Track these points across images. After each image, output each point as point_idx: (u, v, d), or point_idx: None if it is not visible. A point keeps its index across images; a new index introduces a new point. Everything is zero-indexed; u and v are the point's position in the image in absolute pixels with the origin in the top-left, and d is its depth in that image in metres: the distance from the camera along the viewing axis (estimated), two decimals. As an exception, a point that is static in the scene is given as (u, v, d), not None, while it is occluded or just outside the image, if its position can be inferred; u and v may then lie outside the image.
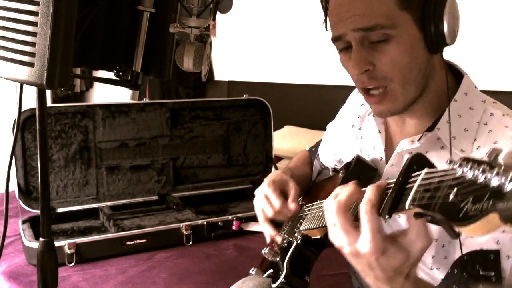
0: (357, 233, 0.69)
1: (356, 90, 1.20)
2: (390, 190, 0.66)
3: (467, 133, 0.87)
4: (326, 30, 0.93)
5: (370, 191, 0.69)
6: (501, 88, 2.34)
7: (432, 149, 0.91)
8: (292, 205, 1.06)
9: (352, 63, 0.88)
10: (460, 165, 0.52)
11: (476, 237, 0.51)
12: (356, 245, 0.69)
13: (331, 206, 0.73)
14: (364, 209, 0.68)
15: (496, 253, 0.79)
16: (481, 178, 0.49)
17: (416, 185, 0.60)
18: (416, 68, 0.87)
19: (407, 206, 0.60)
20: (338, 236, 0.72)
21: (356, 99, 1.17)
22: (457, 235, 0.60)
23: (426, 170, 0.61)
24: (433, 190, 0.56)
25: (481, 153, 0.85)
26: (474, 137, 0.87)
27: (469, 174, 0.50)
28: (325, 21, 0.94)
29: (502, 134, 0.85)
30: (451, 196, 0.52)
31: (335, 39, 0.90)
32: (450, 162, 0.54)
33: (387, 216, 0.65)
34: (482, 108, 0.89)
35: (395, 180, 0.67)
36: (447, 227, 0.59)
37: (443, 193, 0.54)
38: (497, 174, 0.47)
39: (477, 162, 0.50)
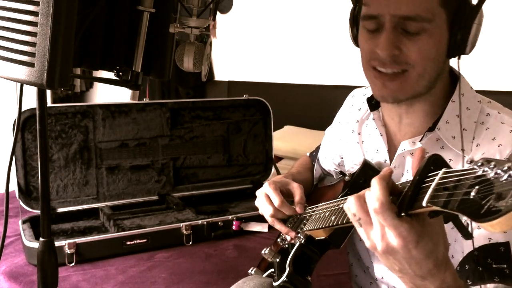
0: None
1: (352, 94, 1.20)
2: (406, 189, 0.66)
3: (466, 133, 0.89)
4: (354, 5, 0.93)
5: (375, 188, 0.67)
6: (500, 88, 2.34)
7: (433, 149, 0.91)
8: (298, 207, 1.07)
9: (382, 45, 0.87)
10: (482, 164, 0.52)
11: (495, 232, 0.51)
12: (388, 239, 0.66)
13: (356, 204, 0.70)
14: (374, 208, 0.66)
15: (506, 245, 0.80)
16: (504, 176, 0.49)
17: (434, 183, 0.60)
18: (436, 65, 0.89)
19: (424, 204, 0.59)
20: (367, 234, 0.69)
21: (352, 102, 1.17)
22: (470, 235, 0.59)
23: (444, 169, 0.61)
24: (452, 188, 0.56)
25: (481, 151, 0.87)
26: (473, 136, 0.89)
27: (491, 173, 0.51)
28: None
29: (499, 130, 0.87)
30: (472, 193, 0.52)
31: (368, 17, 0.90)
32: (471, 161, 0.54)
33: (403, 214, 0.64)
34: (478, 108, 0.91)
35: (409, 180, 0.66)
36: (462, 226, 0.59)
37: (463, 191, 0.54)
38: None
39: (498, 162, 0.51)
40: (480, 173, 0.52)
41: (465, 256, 0.84)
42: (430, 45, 0.86)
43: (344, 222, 0.83)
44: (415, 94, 0.91)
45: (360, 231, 0.71)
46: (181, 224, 1.79)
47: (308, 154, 1.42)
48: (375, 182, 0.67)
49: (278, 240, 1.14)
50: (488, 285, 0.81)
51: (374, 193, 0.66)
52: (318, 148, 1.36)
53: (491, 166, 0.51)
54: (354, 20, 0.96)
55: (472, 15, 0.85)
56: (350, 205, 0.71)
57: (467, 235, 0.61)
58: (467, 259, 0.84)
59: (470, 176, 0.54)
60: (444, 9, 0.85)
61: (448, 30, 0.87)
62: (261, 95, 2.32)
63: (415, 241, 0.64)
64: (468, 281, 0.82)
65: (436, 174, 0.61)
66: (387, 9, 0.86)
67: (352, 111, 1.15)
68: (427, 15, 0.84)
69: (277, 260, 1.09)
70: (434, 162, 0.64)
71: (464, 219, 0.57)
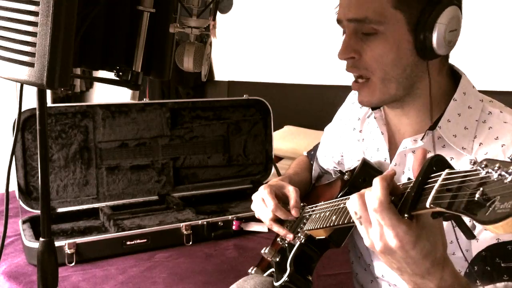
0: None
1: (353, 91, 1.20)
2: (408, 189, 0.66)
3: (467, 131, 0.89)
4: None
5: (376, 187, 0.67)
6: (501, 88, 2.34)
7: (434, 148, 0.91)
8: (293, 211, 1.07)
9: (340, 49, 0.91)
10: (486, 166, 0.52)
11: (501, 234, 0.52)
12: (386, 239, 0.67)
13: (358, 202, 0.71)
14: (373, 207, 0.66)
15: None
16: (508, 178, 0.49)
17: (437, 184, 0.60)
18: (400, 67, 0.89)
19: (427, 205, 0.59)
20: (367, 233, 0.70)
21: (353, 100, 1.18)
22: (473, 236, 0.59)
23: (447, 170, 0.61)
24: (456, 189, 0.56)
25: (483, 150, 0.86)
26: (474, 135, 0.89)
27: (495, 175, 0.51)
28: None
29: (502, 129, 0.87)
30: (477, 195, 0.52)
31: (338, 21, 0.94)
32: (474, 163, 0.54)
33: (406, 215, 0.64)
34: (480, 107, 0.91)
35: (411, 180, 0.66)
36: (464, 227, 0.59)
37: (467, 192, 0.54)
38: None
39: (503, 163, 0.51)
40: (483, 174, 0.52)
41: (473, 258, 0.84)
42: (385, 49, 0.87)
43: (346, 222, 0.83)
44: (391, 98, 0.92)
45: (361, 229, 0.72)
46: (181, 224, 1.79)
47: (305, 153, 1.41)
48: (376, 181, 0.68)
49: (278, 239, 1.14)
50: (497, 284, 0.81)
51: (374, 192, 0.67)
52: (316, 146, 1.35)
53: (495, 168, 0.51)
54: None
55: (435, 15, 0.84)
56: (352, 202, 0.72)
57: (470, 235, 0.61)
58: (475, 261, 0.83)
59: (474, 177, 0.54)
60: (399, 11, 0.85)
61: (410, 31, 0.86)
62: (261, 95, 2.32)
63: (413, 242, 0.65)
64: (478, 282, 0.82)
65: (439, 175, 0.61)
66: (342, 14, 0.91)
67: (353, 108, 1.15)
68: (376, 17, 0.86)
69: (277, 259, 1.09)
70: (436, 163, 0.64)
71: (469, 219, 0.57)
